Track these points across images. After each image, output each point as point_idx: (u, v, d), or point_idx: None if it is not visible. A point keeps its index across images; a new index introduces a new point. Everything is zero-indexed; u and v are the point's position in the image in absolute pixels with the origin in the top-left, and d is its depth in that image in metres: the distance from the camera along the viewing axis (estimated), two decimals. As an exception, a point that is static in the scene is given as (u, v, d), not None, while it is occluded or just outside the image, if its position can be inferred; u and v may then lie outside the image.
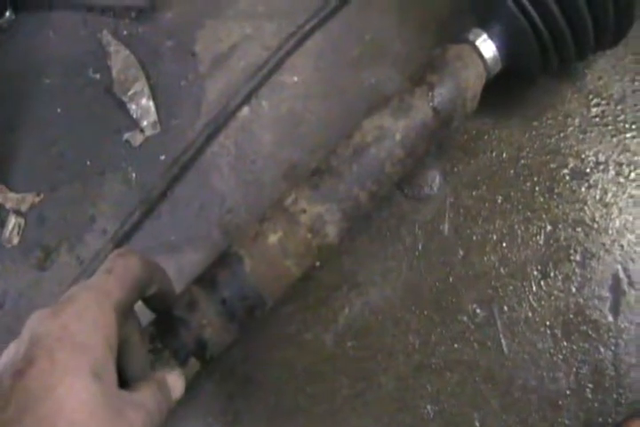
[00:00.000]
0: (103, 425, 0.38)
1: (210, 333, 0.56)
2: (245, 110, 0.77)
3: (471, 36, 0.63)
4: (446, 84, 0.60)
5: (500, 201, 0.69)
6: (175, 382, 0.51)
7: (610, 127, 0.69)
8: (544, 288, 0.66)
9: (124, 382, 0.47)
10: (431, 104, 0.60)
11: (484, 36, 0.63)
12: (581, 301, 0.65)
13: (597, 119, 0.70)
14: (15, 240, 0.79)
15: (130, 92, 0.80)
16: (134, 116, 0.79)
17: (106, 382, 0.40)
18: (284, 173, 0.74)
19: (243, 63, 0.79)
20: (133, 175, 0.78)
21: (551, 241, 0.67)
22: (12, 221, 0.79)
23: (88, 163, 0.80)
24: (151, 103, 0.79)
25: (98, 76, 0.83)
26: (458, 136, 0.71)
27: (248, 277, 0.57)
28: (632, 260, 0.66)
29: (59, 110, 0.83)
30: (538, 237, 0.67)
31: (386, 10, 0.78)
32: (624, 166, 0.68)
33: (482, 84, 0.63)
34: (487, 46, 0.63)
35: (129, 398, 0.43)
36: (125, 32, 0.84)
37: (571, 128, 0.70)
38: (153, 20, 0.83)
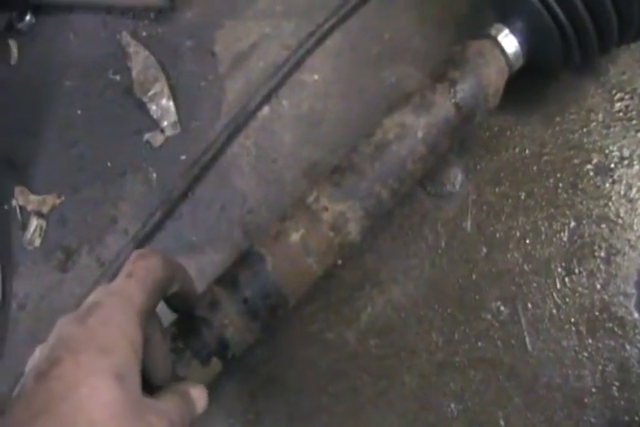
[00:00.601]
0: None
1: (232, 332, 0.56)
2: (266, 110, 0.77)
3: (493, 31, 0.62)
4: (468, 80, 0.60)
5: (523, 197, 0.68)
6: (199, 395, 0.51)
7: (634, 122, 0.68)
8: (568, 285, 0.65)
9: (149, 386, 0.47)
10: (453, 100, 0.60)
11: (506, 31, 0.62)
12: (606, 297, 0.64)
13: (621, 114, 0.69)
14: (37, 242, 0.80)
15: (150, 93, 0.80)
16: (154, 117, 0.80)
17: (129, 385, 0.40)
18: (305, 172, 0.74)
19: (262, 63, 0.80)
20: (154, 176, 0.78)
21: (575, 237, 0.66)
22: (34, 223, 0.80)
23: (109, 164, 0.81)
24: (171, 103, 0.79)
25: (118, 77, 0.84)
26: (480, 133, 0.70)
27: (270, 275, 0.57)
28: (657, 256, 0.65)
29: (79, 112, 0.84)
30: (562, 233, 0.66)
31: (405, 8, 0.78)
32: (649, 161, 0.68)
33: (504, 80, 0.62)
34: (509, 41, 0.62)
35: (153, 405, 0.43)
36: (145, 33, 0.84)
37: (594, 123, 0.69)
38: (172, 21, 0.84)
